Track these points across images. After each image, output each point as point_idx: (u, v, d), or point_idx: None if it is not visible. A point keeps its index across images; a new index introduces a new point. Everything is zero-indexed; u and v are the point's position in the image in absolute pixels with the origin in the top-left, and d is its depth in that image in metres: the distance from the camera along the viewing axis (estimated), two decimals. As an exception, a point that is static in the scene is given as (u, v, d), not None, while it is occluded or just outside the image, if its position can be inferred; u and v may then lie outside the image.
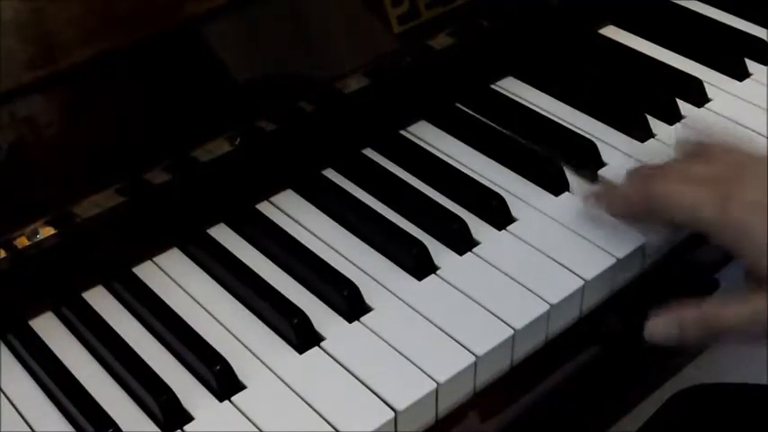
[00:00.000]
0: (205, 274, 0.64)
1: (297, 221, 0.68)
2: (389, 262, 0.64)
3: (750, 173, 0.58)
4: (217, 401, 0.56)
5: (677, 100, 0.77)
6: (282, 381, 0.56)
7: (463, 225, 0.65)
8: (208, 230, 0.67)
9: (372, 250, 0.65)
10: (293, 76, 0.68)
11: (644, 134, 0.74)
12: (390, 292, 0.62)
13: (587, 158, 0.71)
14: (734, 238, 0.56)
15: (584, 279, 0.62)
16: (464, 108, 0.78)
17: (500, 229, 0.66)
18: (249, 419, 0.54)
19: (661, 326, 0.59)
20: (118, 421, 0.54)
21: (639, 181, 0.62)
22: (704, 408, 0.65)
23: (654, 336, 0.59)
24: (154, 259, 0.65)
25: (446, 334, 0.58)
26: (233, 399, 0.56)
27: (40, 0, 0.55)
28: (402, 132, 0.75)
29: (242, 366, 0.57)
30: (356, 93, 0.72)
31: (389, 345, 0.58)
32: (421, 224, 0.67)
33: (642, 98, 0.77)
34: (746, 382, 0.69)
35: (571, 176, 0.70)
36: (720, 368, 0.71)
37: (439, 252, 0.64)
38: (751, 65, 0.82)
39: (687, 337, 0.58)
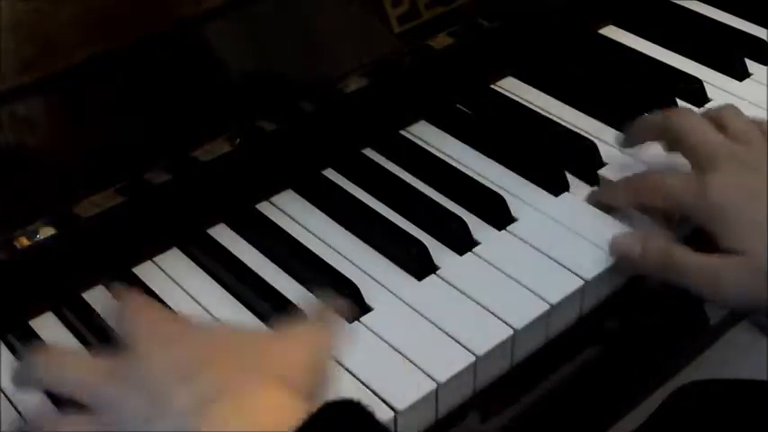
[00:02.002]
0: (205, 274, 0.64)
1: (297, 221, 0.68)
2: (389, 262, 0.64)
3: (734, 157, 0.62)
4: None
5: (677, 100, 0.77)
6: (282, 381, 0.56)
7: (463, 225, 0.65)
8: (208, 230, 0.67)
9: (372, 250, 0.65)
10: (293, 76, 0.68)
11: (644, 134, 0.74)
12: (390, 292, 0.62)
13: (587, 158, 0.71)
14: (712, 220, 0.60)
15: (584, 279, 0.62)
16: (464, 108, 0.78)
17: (500, 230, 0.66)
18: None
19: (627, 239, 0.62)
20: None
21: (633, 176, 0.67)
22: (703, 403, 0.65)
23: (616, 248, 0.62)
24: (154, 259, 0.65)
25: (446, 334, 0.58)
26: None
27: (40, 0, 0.55)
28: (402, 132, 0.75)
29: (242, 366, 0.57)
30: (356, 93, 0.72)
31: (389, 345, 0.58)
32: (421, 224, 0.67)
33: (642, 98, 0.77)
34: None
35: (571, 177, 0.70)
36: (720, 368, 0.71)
37: (439, 252, 0.64)
38: (751, 65, 0.82)
39: (647, 262, 0.61)
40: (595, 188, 0.69)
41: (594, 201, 0.68)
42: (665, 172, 0.65)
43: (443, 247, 0.65)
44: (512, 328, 0.59)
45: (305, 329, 0.52)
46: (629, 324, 0.68)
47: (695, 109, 0.74)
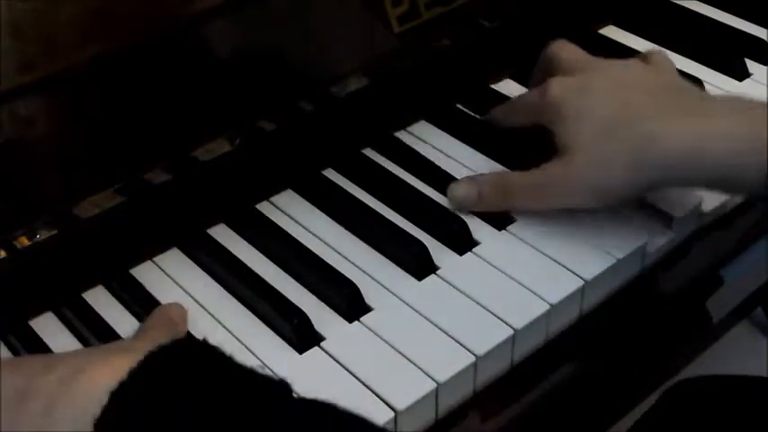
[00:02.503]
0: (205, 274, 0.64)
1: (297, 221, 0.68)
2: (389, 262, 0.64)
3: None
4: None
5: (677, 100, 0.77)
6: (282, 381, 0.56)
7: (463, 225, 0.65)
8: (208, 230, 0.67)
9: (372, 250, 0.65)
10: (293, 76, 0.68)
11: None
12: (390, 292, 0.62)
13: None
14: (550, 117, 0.63)
15: (584, 279, 0.62)
16: (464, 108, 0.78)
17: (500, 229, 0.66)
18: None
19: (462, 187, 0.66)
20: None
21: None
22: (700, 399, 0.66)
23: (455, 196, 0.66)
24: (154, 259, 0.65)
25: (446, 334, 0.58)
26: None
27: (40, 0, 0.55)
28: (402, 132, 0.75)
29: (242, 366, 0.57)
30: (356, 93, 0.72)
31: (389, 345, 0.58)
32: (421, 224, 0.67)
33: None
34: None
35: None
36: (720, 368, 0.71)
37: (439, 252, 0.64)
38: (751, 65, 0.82)
39: (485, 198, 0.65)
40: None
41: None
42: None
43: (443, 247, 0.65)
44: (512, 328, 0.59)
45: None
46: (629, 324, 0.67)
47: None
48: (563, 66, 0.66)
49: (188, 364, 0.45)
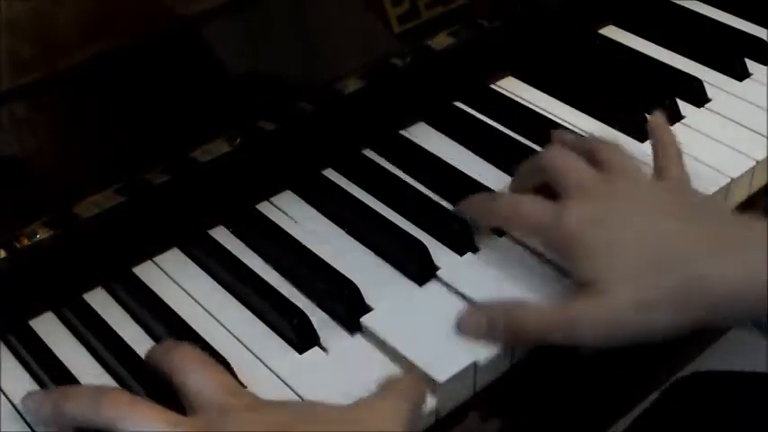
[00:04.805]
0: (205, 274, 0.64)
1: (297, 221, 0.68)
2: (389, 262, 0.64)
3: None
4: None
5: (677, 100, 0.77)
6: (282, 380, 0.56)
7: (463, 225, 0.65)
8: (208, 231, 0.67)
9: (372, 250, 0.65)
10: (293, 77, 0.68)
11: (644, 134, 0.74)
12: (390, 292, 0.62)
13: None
14: (567, 250, 0.58)
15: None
16: (464, 108, 0.78)
17: (501, 235, 0.66)
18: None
19: (473, 324, 0.58)
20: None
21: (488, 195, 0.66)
22: (702, 394, 0.65)
23: (464, 329, 0.58)
24: (154, 259, 0.65)
25: (446, 334, 0.58)
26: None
27: (40, 0, 0.55)
28: (402, 133, 0.75)
29: (242, 366, 0.57)
30: (356, 93, 0.72)
31: (389, 345, 0.58)
32: (421, 224, 0.67)
33: (642, 98, 0.77)
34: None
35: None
36: (720, 368, 0.71)
37: (439, 252, 0.64)
38: (751, 65, 0.82)
39: (499, 339, 0.58)
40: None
41: (464, 212, 0.66)
42: (525, 196, 0.63)
43: (443, 247, 0.65)
44: (512, 328, 0.59)
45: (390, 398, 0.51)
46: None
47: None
48: (569, 186, 0.60)
49: None
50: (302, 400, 0.55)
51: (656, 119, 0.68)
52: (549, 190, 0.62)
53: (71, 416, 0.50)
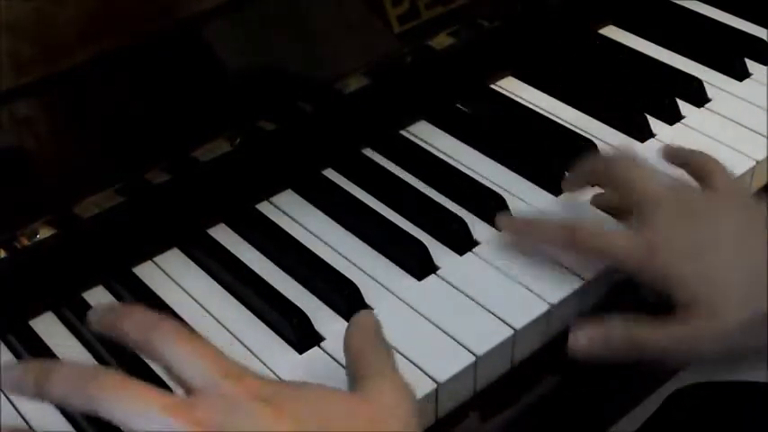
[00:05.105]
0: (205, 274, 0.64)
1: (297, 221, 0.68)
2: (389, 262, 0.64)
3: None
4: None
5: (677, 100, 0.77)
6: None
7: (463, 225, 0.65)
8: (208, 230, 0.67)
9: (372, 250, 0.65)
10: (293, 76, 0.68)
11: (644, 134, 0.74)
12: (390, 292, 0.62)
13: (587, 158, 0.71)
14: (664, 280, 0.58)
15: (583, 279, 0.62)
16: (464, 108, 0.78)
17: (500, 229, 0.66)
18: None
19: (586, 339, 0.58)
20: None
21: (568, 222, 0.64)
22: (703, 405, 0.65)
23: (577, 349, 0.58)
24: (154, 259, 0.65)
25: (446, 334, 0.58)
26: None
27: (40, 0, 0.55)
28: (402, 132, 0.75)
29: (242, 366, 0.57)
30: (356, 93, 0.72)
31: (389, 344, 0.58)
32: (421, 224, 0.67)
33: (642, 98, 0.77)
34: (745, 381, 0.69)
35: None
36: (720, 369, 0.71)
37: (439, 252, 0.64)
38: (751, 65, 0.82)
39: (613, 354, 0.58)
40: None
41: (517, 232, 0.64)
42: (606, 227, 0.62)
43: (443, 247, 0.65)
44: (512, 328, 0.59)
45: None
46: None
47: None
48: (647, 207, 0.59)
49: None
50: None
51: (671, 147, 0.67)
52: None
53: (55, 397, 0.45)
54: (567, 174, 0.68)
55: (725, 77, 0.81)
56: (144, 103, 0.61)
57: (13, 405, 0.56)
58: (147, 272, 0.64)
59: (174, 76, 0.62)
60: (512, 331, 0.59)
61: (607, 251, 0.60)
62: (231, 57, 0.65)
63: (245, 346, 0.59)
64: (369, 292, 0.61)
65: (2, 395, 0.57)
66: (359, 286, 0.61)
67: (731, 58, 0.82)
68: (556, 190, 0.69)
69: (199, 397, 0.44)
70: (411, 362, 0.57)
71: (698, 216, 0.59)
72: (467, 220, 0.66)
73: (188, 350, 0.46)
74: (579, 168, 0.66)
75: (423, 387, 0.55)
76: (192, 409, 0.43)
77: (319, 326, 0.59)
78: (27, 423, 0.55)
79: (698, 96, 0.78)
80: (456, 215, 0.67)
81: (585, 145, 0.73)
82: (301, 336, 0.59)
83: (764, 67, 0.82)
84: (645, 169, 0.62)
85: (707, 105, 0.78)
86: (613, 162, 0.63)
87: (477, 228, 0.66)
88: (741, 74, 0.81)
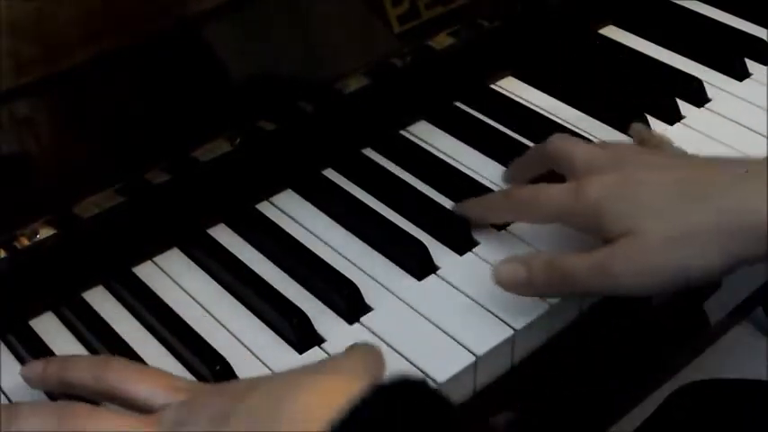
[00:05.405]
0: (205, 274, 0.64)
1: (297, 221, 0.68)
2: (389, 262, 0.64)
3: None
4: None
5: (677, 100, 0.77)
6: (282, 381, 0.56)
7: (463, 225, 0.65)
8: (208, 230, 0.67)
9: (372, 250, 0.65)
10: (293, 76, 0.68)
11: (644, 134, 0.74)
12: (390, 292, 0.62)
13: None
14: (593, 218, 0.58)
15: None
16: (464, 108, 0.78)
17: (500, 229, 0.66)
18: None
19: (510, 268, 0.59)
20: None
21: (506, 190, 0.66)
22: (703, 404, 0.65)
23: (500, 280, 0.59)
24: (154, 259, 0.65)
25: (446, 334, 0.58)
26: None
27: (41, 0, 0.55)
28: (402, 132, 0.75)
29: (242, 366, 0.57)
30: (356, 92, 0.72)
31: (389, 345, 0.58)
32: (421, 224, 0.67)
33: (642, 98, 0.77)
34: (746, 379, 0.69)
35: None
36: (720, 368, 0.71)
37: (439, 252, 0.64)
38: (751, 65, 0.82)
39: (535, 282, 0.58)
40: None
41: (468, 213, 0.66)
42: (540, 184, 0.62)
43: (443, 247, 0.65)
44: (512, 328, 0.59)
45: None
46: (628, 324, 0.68)
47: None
48: (578, 166, 0.60)
49: (413, 407, 0.42)
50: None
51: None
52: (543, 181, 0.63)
53: (76, 384, 0.51)
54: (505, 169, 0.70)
55: (725, 77, 0.81)
56: (144, 103, 0.61)
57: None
58: (147, 272, 0.64)
59: (174, 76, 0.62)
60: (512, 331, 0.59)
61: (538, 200, 0.60)
62: (231, 57, 0.65)
63: (245, 346, 0.59)
64: (369, 292, 0.61)
65: (2, 395, 0.57)
66: (359, 286, 0.61)
67: (731, 58, 0.82)
68: (556, 190, 0.69)
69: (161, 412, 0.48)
70: (411, 362, 0.57)
71: (626, 160, 0.60)
72: (466, 221, 0.66)
73: (144, 377, 0.50)
74: (517, 160, 0.68)
75: (423, 387, 0.55)
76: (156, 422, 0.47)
77: (319, 326, 0.60)
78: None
79: (698, 96, 0.78)
80: (456, 215, 0.66)
81: (585, 145, 0.72)
82: (301, 336, 0.59)
83: (764, 67, 0.82)
84: (578, 139, 0.64)
85: (707, 105, 0.78)
86: (547, 142, 0.64)
87: (478, 227, 0.66)
88: (741, 74, 0.81)
